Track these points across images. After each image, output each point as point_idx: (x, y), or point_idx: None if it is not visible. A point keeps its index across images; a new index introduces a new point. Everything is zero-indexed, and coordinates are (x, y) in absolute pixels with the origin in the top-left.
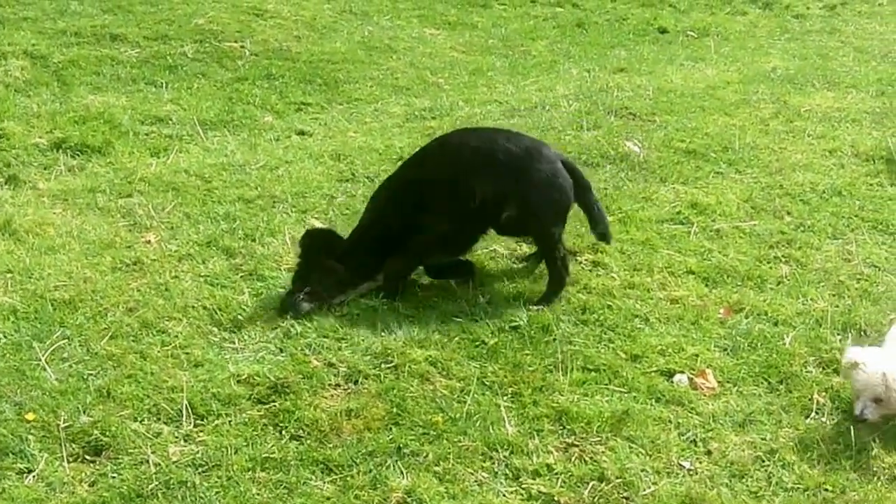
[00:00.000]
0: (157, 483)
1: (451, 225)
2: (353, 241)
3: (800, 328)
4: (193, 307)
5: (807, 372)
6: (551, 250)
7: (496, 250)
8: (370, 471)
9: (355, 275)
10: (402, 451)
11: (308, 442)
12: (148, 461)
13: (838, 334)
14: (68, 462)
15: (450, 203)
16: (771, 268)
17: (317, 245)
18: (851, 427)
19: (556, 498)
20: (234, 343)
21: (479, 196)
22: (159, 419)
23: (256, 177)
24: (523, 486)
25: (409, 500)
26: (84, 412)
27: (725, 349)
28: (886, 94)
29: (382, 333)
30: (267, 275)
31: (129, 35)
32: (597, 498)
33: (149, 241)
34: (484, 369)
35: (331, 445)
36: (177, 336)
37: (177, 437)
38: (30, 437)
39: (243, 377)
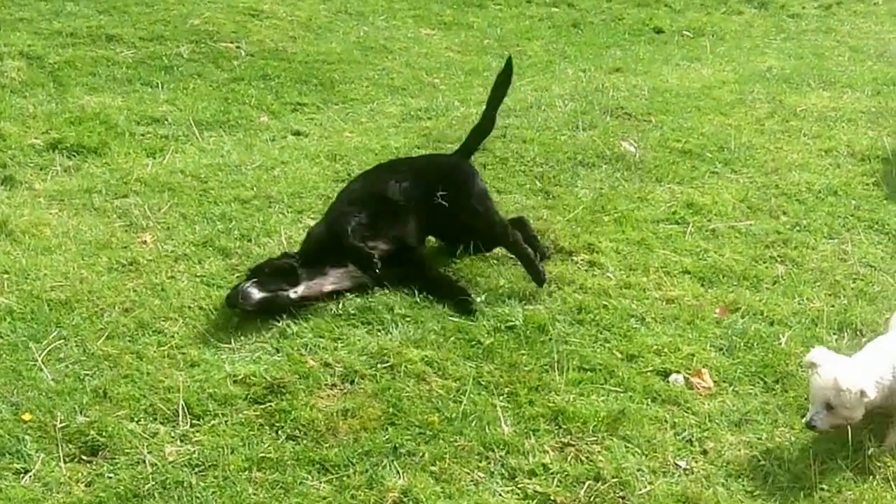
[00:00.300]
0: (153, 483)
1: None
2: (303, 244)
3: (796, 328)
4: (190, 307)
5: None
6: (497, 228)
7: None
8: (366, 471)
9: (303, 269)
10: (399, 450)
11: (304, 442)
12: (144, 461)
13: (834, 334)
14: (65, 462)
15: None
16: (767, 267)
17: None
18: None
19: (552, 497)
20: (230, 343)
21: (404, 192)
22: (156, 419)
23: (252, 177)
24: (519, 485)
25: (405, 499)
26: (80, 412)
27: (721, 349)
28: (882, 93)
29: (378, 333)
30: None
31: (125, 36)
32: (593, 497)
33: (145, 242)
34: (480, 369)
35: (327, 445)
36: (173, 336)
37: (173, 438)
38: (26, 437)
39: (239, 377)
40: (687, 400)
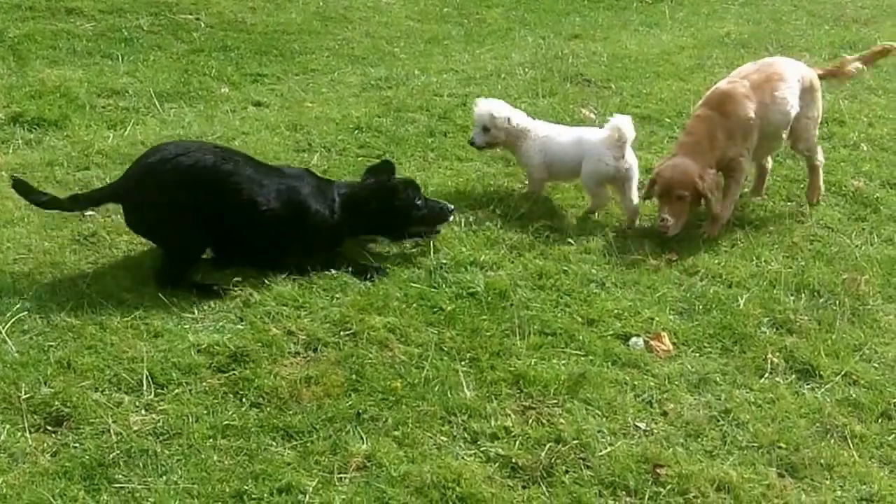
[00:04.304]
0: (118, 452)
1: None
2: None
3: (754, 290)
4: (152, 278)
5: (761, 332)
6: None
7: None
8: (330, 436)
9: None
10: (362, 416)
11: (268, 409)
12: (109, 431)
13: (792, 295)
14: (30, 433)
15: None
16: (725, 231)
17: None
18: (805, 386)
19: (513, 460)
20: (193, 313)
21: None
22: (120, 389)
23: None
24: (481, 448)
25: (368, 464)
26: (45, 383)
27: (681, 312)
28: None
29: (339, 299)
30: None
31: (85, 8)
32: (554, 459)
33: (108, 214)
34: (442, 335)
35: (291, 412)
36: (136, 307)
37: (138, 407)
38: None
39: (203, 346)
40: (647, 362)
